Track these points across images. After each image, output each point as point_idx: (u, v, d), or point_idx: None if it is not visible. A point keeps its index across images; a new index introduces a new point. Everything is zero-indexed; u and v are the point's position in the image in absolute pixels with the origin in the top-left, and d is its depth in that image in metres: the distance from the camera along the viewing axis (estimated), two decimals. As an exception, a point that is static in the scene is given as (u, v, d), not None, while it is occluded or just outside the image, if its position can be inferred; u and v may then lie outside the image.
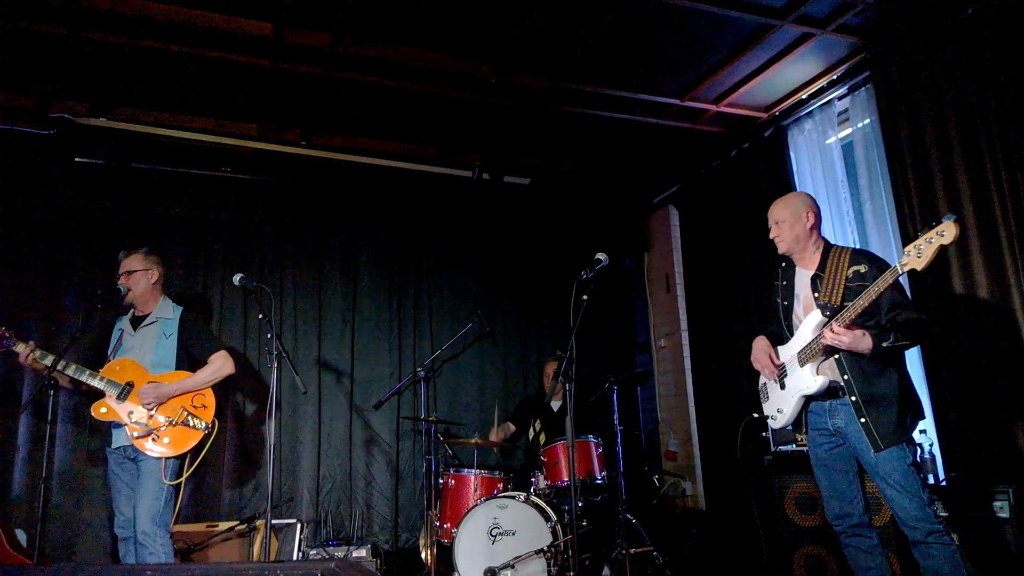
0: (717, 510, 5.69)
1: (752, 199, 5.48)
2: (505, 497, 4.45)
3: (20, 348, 3.84)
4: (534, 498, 4.49)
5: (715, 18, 4.10)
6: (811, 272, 3.21)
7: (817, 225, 3.27)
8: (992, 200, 3.74)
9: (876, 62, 4.43)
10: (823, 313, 3.05)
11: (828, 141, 4.95)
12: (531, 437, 5.44)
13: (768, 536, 4.23)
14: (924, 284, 4.03)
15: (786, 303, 3.34)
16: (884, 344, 2.88)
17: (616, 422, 4.87)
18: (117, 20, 3.92)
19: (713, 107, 5.11)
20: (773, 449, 4.23)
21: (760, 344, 3.38)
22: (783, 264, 3.42)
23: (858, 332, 2.87)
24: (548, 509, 4.41)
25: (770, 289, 5.11)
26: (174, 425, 3.91)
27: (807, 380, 3.12)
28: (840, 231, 4.80)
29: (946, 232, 2.61)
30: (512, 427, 5.58)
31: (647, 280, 7.05)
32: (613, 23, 4.12)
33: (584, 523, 4.58)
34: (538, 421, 5.40)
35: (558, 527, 4.32)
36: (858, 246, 3.41)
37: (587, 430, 4.91)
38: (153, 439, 3.86)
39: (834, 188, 4.88)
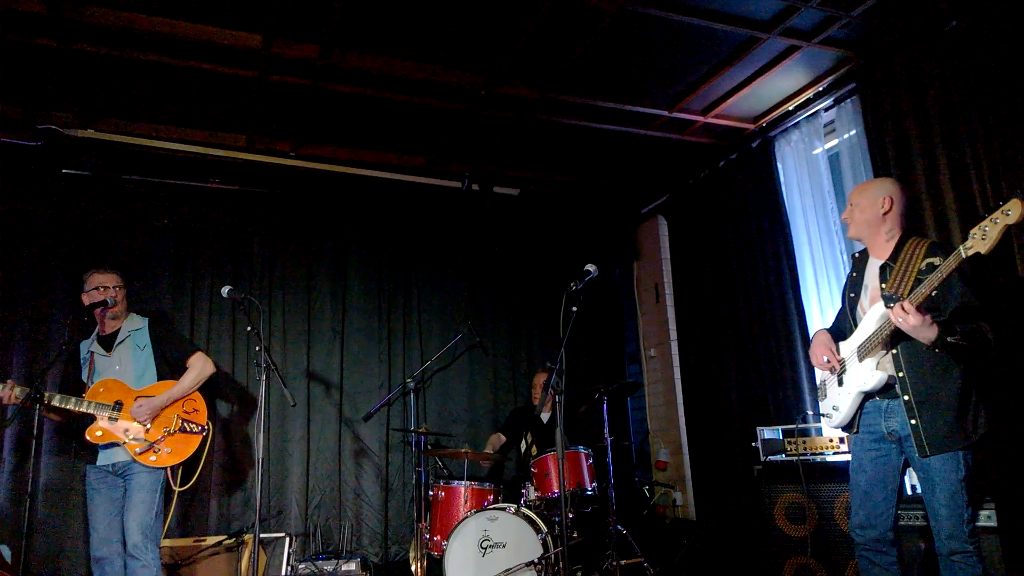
0: (708, 520, 5.69)
1: (740, 209, 5.52)
2: (495, 509, 4.43)
3: None
4: (524, 510, 4.48)
5: (702, 31, 4.13)
6: (881, 262, 3.05)
7: (893, 212, 3.07)
8: (978, 210, 3.76)
9: (862, 74, 4.48)
10: (887, 305, 2.80)
11: (815, 152, 5.00)
12: (523, 449, 5.43)
13: (758, 546, 4.24)
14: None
15: (852, 295, 3.17)
16: (949, 338, 2.68)
17: (606, 433, 4.86)
18: (105, 32, 3.91)
19: (701, 118, 5.14)
20: (763, 459, 4.23)
21: (820, 338, 3.24)
22: (856, 255, 3.27)
23: (927, 317, 2.66)
24: (539, 521, 4.39)
25: (764, 293, 5.19)
26: (172, 434, 3.94)
27: (865, 375, 2.97)
28: (827, 241, 4.83)
29: (1012, 211, 2.43)
30: (503, 438, 5.56)
31: (636, 290, 7.07)
32: (602, 35, 4.14)
33: (575, 534, 4.57)
34: (529, 433, 5.39)
35: (549, 539, 4.31)
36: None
37: (577, 441, 4.90)
38: (155, 452, 3.88)
39: (821, 198, 4.92)
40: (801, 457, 4.07)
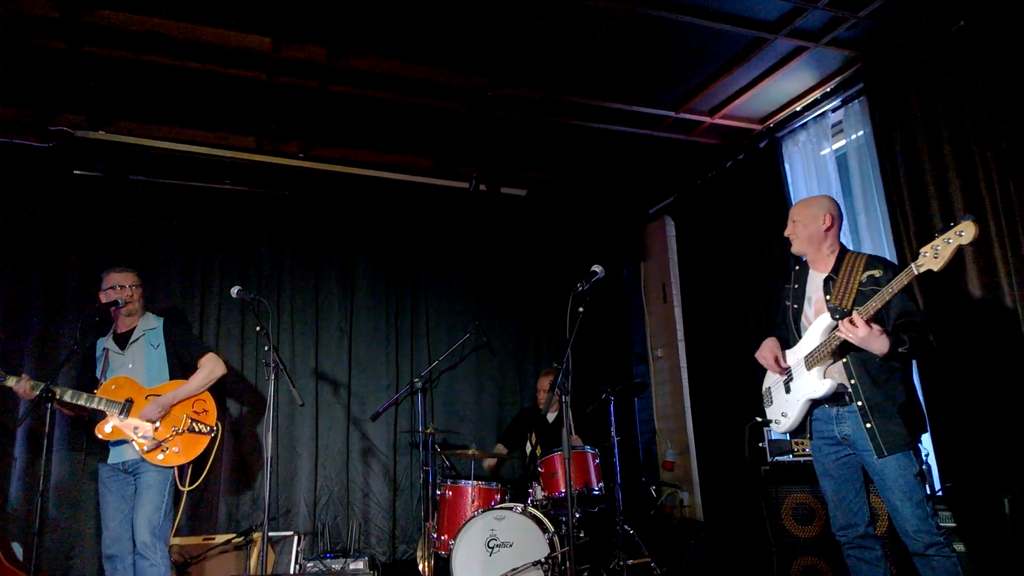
0: (715, 520, 5.69)
1: (747, 209, 5.52)
2: (502, 508, 4.45)
3: (11, 382, 3.87)
4: (531, 509, 4.49)
5: (709, 32, 4.14)
6: (824, 275, 3.17)
7: (833, 229, 3.21)
8: (985, 209, 3.77)
9: (869, 74, 4.47)
10: (833, 316, 2.98)
11: (822, 152, 4.99)
12: (528, 450, 5.44)
13: (765, 547, 4.24)
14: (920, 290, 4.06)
15: (796, 306, 3.29)
16: (900, 349, 2.82)
17: (613, 433, 4.87)
18: (116, 35, 3.96)
19: (708, 119, 5.15)
20: (770, 459, 4.23)
21: (768, 343, 3.34)
22: (796, 267, 3.39)
23: (876, 329, 2.79)
24: (545, 520, 4.40)
25: (771, 294, 5.19)
26: (181, 433, 3.96)
27: (814, 384, 3.08)
28: (835, 242, 4.82)
29: (965, 232, 2.53)
30: (504, 449, 5.56)
31: (644, 290, 7.07)
32: (608, 37, 4.15)
33: (582, 534, 4.58)
34: (534, 434, 5.40)
35: (555, 538, 4.32)
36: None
37: (584, 441, 4.91)
38: (163, 450, 3.90)
39: (829, 199, 4.91)
40: (807, 458, 4.07)
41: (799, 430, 3.23)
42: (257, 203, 5.68)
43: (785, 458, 4.18)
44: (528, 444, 5.46)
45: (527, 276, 6.51)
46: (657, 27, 4.08)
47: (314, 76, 4.42)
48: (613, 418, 4.91)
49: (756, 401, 5.22)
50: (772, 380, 3.39)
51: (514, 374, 6.31)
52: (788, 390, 3.24)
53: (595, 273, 3.49)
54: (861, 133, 4.67)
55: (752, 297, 5.46)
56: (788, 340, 3.30)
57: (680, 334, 6.47)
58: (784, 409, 3.26)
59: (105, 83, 4.45)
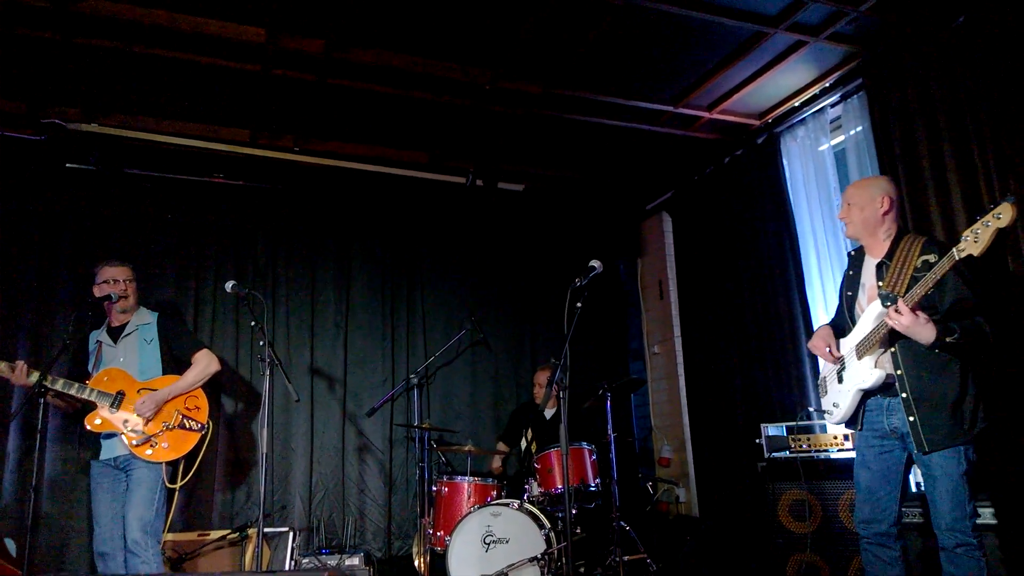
0: (711, 517, 5.69)
1: (745, 205, 5.50)
2: (498, 505, 4.44)
3: (3, 367, 3.83)
4: (528, 506, 4.48)
5: (708, 26, 4.11)
6: (878, 260, 3.09)
7: (892, 212, 3.11)
8: (984, 207, 3.74)
9: (869, 70, 4.45)
10: (883, 303, 2.88)
11: (821, 148, 4.98)
12: (523, 446, 5.43)
13: (761, 543, 4.23)
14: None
15: (849, 293, 3.21)
16: (948, 339, 2.73)
17: (610, 429, 4.87)
18: (110, 26, 3.91)
19: (706, 114, 5.13)
20: (767, 456, 4.22)
21: (821, 332, 3.28)
22: (852, 252, 3.32)
23: (921, 317, 2.72)
24: (542, 516, 4.39)
25: (768, 291, 5.18)
26: (171, 429, 3.93)
27: (864, 373, 3.01)
28: (832, 238, 4.81)
29: (1003, 214, 2.49)
30: (506, 448, 5.57)
31: (640, 286, 7.06)
32: (607, 30, 4.13)
33: (578, 530, 4.57)
34: (530, 430, 5.39)
35: (552, 535, 4.31)
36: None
37: (580, 437, 4.90)
38: (152, 445, 3.85)
39: (826, 195, 4.90)
40: (805, 454, 4.06)
41: (851, 421, 3.16)
42: (252, 197, 5.63)
43: (782, 454, 4.17)
44: (523, 440, 5.44)
45: (524, 271, 6.49)
46: (656, 21, 4.05)
47: (310, 69, 4.38)
48: (610, 414, 4.90)
49: (753, 397, 5.28)
50: (827, 369, 3.32)
51: (511, 370, 6.29)
52: (841, 379, 3.18)
53: (593, 268, 3.46)
54: (860, 129, 4.65)
55: (750, 293, 5.44)
56: (844, 329, 3.22)
57: (677, 330, 6.45)
58: (836, 399, 3.20)
59: (98, 75, 4.40)
